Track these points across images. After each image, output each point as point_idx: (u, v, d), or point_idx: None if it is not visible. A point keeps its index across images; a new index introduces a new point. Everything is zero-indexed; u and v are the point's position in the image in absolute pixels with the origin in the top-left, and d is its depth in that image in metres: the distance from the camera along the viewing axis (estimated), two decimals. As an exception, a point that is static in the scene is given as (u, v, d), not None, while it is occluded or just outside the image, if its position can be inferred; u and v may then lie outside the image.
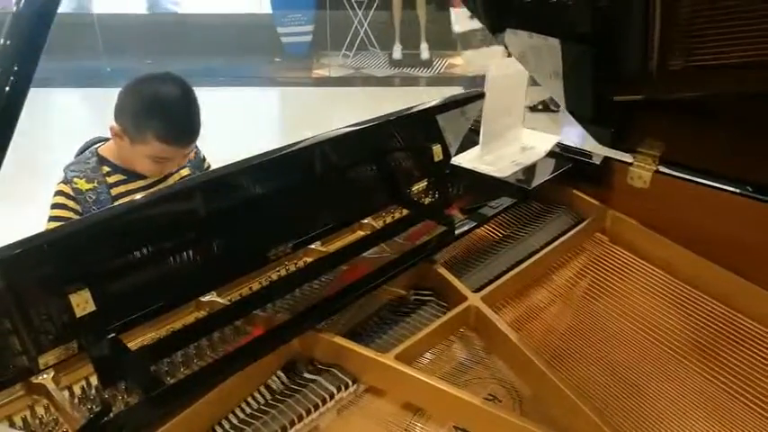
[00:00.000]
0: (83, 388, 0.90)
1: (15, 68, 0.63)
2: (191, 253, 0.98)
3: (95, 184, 1.50)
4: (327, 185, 1.18)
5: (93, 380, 0.91)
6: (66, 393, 0.89)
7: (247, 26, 7.44)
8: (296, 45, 7.12)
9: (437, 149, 1.28)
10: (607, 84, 1.27)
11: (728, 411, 1.00)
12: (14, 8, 0.63)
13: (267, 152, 1.06)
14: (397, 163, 1.29)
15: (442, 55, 7.01)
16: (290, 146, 1.10)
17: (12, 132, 0.65)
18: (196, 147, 1.71)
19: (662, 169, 1.34)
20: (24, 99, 0.66)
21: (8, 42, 0.62)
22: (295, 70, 6.87)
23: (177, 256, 0.96)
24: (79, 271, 0.81)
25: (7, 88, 0.62)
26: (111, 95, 1.51)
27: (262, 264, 1.10)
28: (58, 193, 1.50)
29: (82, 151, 1.60)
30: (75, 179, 1.49)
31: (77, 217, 1.47)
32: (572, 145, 1.54)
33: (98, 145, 1.59)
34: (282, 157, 1.08)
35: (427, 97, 1.49)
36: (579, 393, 0.95)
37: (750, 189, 1.23)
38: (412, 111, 1.29)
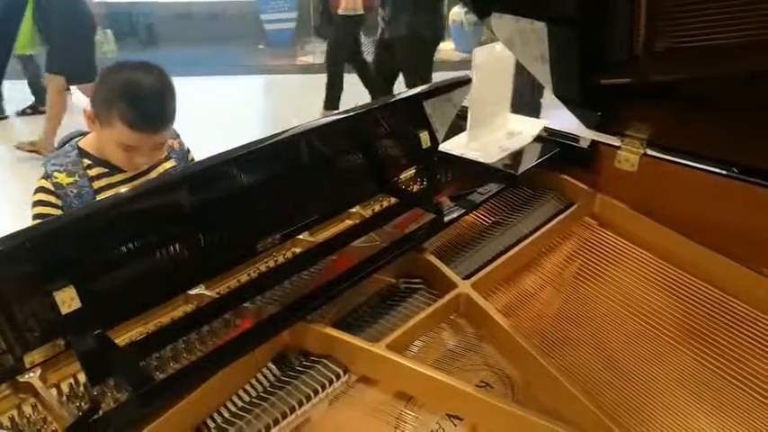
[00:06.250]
0: (71, 385, 0.89)
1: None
2: (178, 246, 0.96)
3: (76, 178, 1.47)
4: (315, 175, 1.16)
5: (81, 377, 0.89)
6: (54, 392, 0.88)
7: (230, 14, 7.37)
8: (279, 32, 7.08)
9: (424, 136, 1.27)
10: (594, 67, 1.27)
11: (719, 392, 1.01)
12: None
13: (252, 142, 1.04)
14: (384, 151, 1.28)
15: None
16: (275, 135, 1.08)
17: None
18: (179, 139, 1.69)
19: (650, 152, 1.34)
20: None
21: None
22: (279, 57, 6.83)
23: (164, 249, 0.95)
24: (64, 268, 0.79)
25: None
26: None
27: (250, 255, 1.09)
28: (39, 189, 1.47)
29: (62, 144, 1.58)
30: (56, 173, 1.47)
31: (59, 212, 1.44)
32: (560, 129, 1.53)
33: (78, 138, 1.56)
34: (268, 146, 1.06)
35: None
36: (571, 378, 0.96)
37: (738, 171, 1.24)
38: (398, 97, 1.28)
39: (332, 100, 5.11)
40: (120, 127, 1.40)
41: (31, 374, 0.87)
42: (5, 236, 0.74)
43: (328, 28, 5.05)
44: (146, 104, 1.42)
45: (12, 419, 0.85)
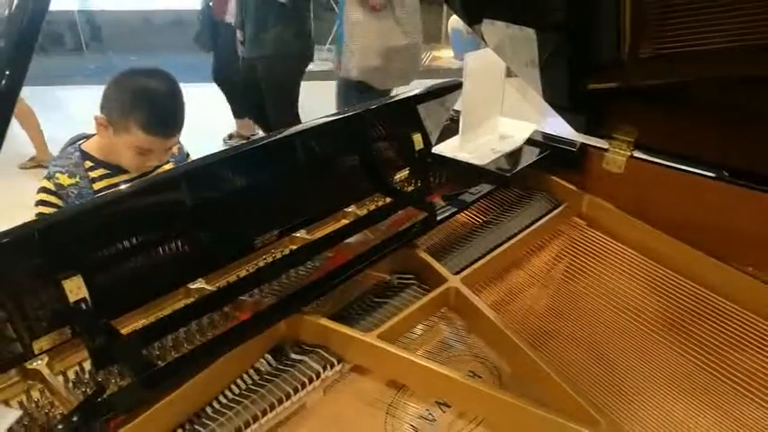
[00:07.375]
0: (77, 372, 0.93)
1: (7, 72, 0.66)
2: (180, 241, 1.01)
3: (77, 179, 1.52)
4: (311, 175, 1.21)
5: (87, 365, 0.94)
6: (61, 378, 0.92)
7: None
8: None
9: (417, 138, 1.31)
10: (582, 72, 1.31)
11: (703, 386, 1.04)
12: (6, 11, 0.65)
13: (250, 141, 1.09)
14: (379, 152, 1.32)
15: (425, 48, 7.03)
16: (273, 134, 1.12)
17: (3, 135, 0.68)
18: (180, 143, 1.73)
19: (637, 154, 1.38)
20: (16, 100, 0.68)
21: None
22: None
23: (167, 244, 0.99)
24: (72, 258, 0.84)
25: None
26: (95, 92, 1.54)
27: (248, 251, 1.13)
28: (42, 189, 1.52)
29: (66, 147, 1.62)
30: (58, 174, 1.52)
31: None
32: (552, 133, 1.58)
33: (82, 141, 1.61)
34: (266, 146, 1.11)
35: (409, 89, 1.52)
36: (557, 370, 0.99)
37: (724, 173, 1.28)
38: (392, 100, 1.32)
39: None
40: (138, 132, 1.46)
41: (39, 362, 0.91)
42: (17, 226, 0.79)
43: (210, 37, 4.59)
44: (162, 110, 1.48)
45: (21, 403, 0.89)
